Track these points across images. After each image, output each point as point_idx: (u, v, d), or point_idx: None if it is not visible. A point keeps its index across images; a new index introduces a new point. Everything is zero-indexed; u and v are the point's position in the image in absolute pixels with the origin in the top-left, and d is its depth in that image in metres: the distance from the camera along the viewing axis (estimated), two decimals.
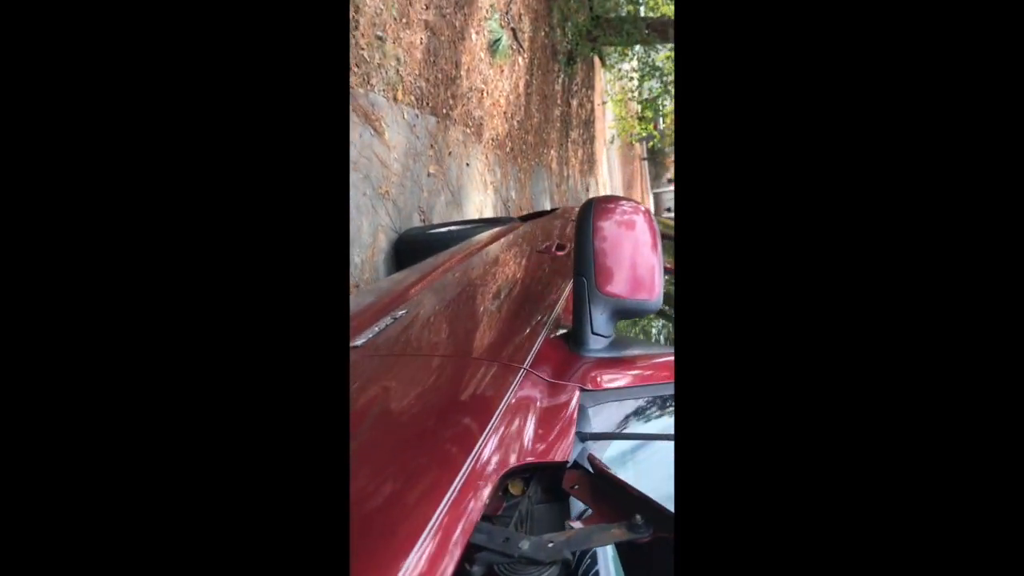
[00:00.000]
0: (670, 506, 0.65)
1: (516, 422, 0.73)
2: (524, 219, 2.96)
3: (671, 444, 0.79)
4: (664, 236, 2.61)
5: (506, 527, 0.64)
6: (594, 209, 1.02)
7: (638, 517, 0.58)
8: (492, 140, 5.07)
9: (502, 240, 2.03)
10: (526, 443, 0.72)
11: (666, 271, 1.96)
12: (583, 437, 0.79)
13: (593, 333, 0.97)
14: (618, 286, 0.96)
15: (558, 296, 1.23)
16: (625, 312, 0.99)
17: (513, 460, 0.68)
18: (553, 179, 7.17)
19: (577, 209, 2.86)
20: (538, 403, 0.79)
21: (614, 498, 0.64)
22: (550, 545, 0.56)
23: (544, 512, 0.71)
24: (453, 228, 2.95)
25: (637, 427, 0.93)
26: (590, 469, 0.71)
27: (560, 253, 1.66)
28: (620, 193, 13.43)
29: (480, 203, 4.65)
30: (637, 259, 0.98)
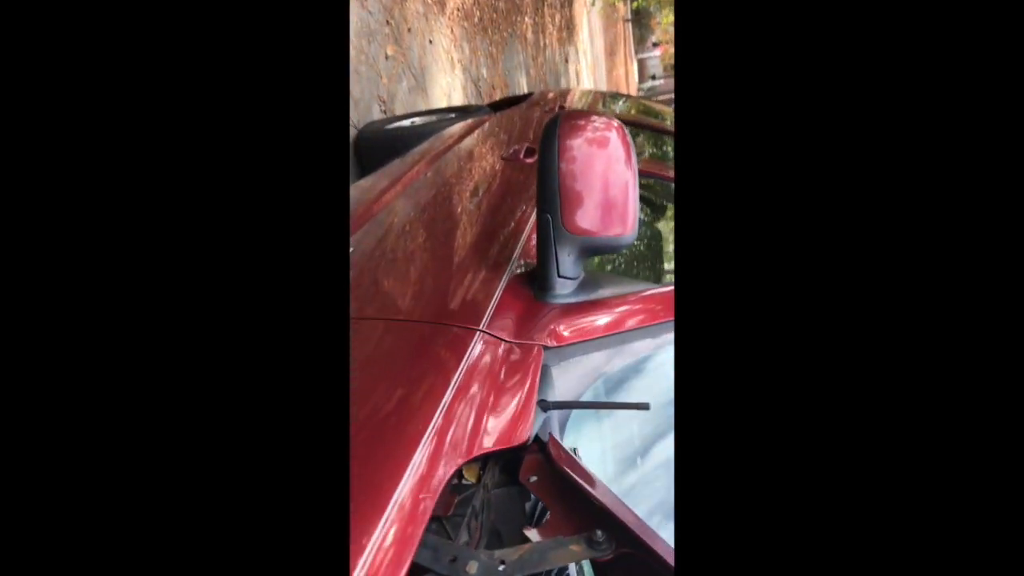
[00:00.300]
0: (641, 508, 0.59)
1: (469, 403, 0.65)
2: (495, 107, 2.71)
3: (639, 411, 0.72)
4: (642, 125, 2.42)
5: (457, 528, 0.58)
6: (560, 128, 0.87)
7: (599, 533, 0.52)
8: (457, 10, 4.55)
9: (466, 142, 1.84)
10: (480, 427, 0.64)
11: (647, 175, 1.82)
12: (545, 406, 0.71)
13: (559, 276, 0.87)
14: (588, 221, 0.84)
15: (524, 221, 1.10)
16: (596, 250, 0.88)
17: (464, 454, 0.60)
18: (528, 51, 6.61)
19: (552, 95, 2.63)
20: (495, 374, 0.71)
21: (575, 498, 0.58)
22: (501, 568, 0.50)
23: (502, 500, 0.65)
24: (417, 121, 2.71)
25: (606, 379, 0.86)
26: (551, 452, 0.64)
27: (529, 160, 1.50)
28: (602, 60, 12.59)
29: (447, 86, 4.28)
30: (610, 188, 0.85)
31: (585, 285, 0.90)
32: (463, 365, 0.68)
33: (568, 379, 0.80)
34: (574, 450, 0.77)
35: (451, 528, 0.58)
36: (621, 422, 0.86)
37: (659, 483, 0.85)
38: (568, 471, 0.59)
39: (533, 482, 0.62)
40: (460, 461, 0.59)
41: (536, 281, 0.89)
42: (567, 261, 0.86)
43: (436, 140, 1.99)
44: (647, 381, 0.93)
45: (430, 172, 1.57)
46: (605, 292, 0.91)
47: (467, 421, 0.63)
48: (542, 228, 0.85)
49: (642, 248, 1.62)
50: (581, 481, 0.58)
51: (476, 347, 0.72)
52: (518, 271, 0.93)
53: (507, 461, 0.68)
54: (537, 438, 0.69)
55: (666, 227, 1.85)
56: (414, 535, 0.51)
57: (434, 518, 0.58)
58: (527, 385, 0.71)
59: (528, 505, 0.65)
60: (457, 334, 0.74)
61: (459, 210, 1.26)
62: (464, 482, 0.64)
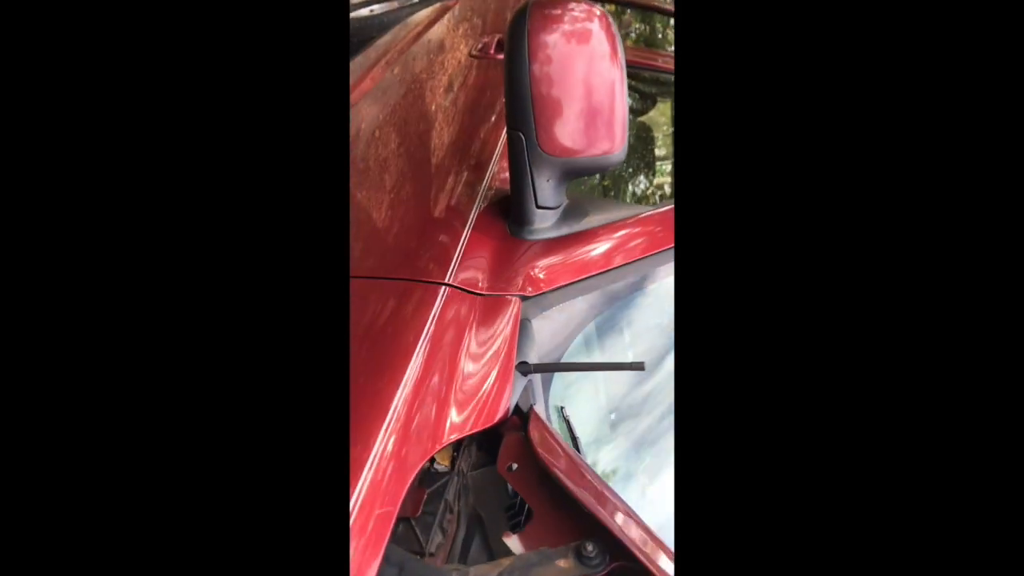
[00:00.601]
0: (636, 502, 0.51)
1: (434, 381, 0.55)
2: None
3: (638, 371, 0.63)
4: (629, 3, 2.15)
5: (429, 529, 0.51)
6: (530, 21, 0.70)
7: (589, 546, 0.44)
8: None
9: (427, 36, 1.61)
10: (448, 410, 0.55)
11: (634, 66, 1.61)
12: (525, 369, 0.62)
13: (538, 207, 0.74)
14: (568, 138, 0.70)
15: (497, 137, 0.95)
16: (579, 171, 0.75)
17: (430, 446, 0.51)
18: None
19: None
20: (465, 339, 0.60)
21: (562, 497, 0.50)
22: None
23: (481, 482, 0.57)
24: (376, 9, 2.39)
25: (598, 323, 0.76)
26: (532, 437, 0.55)
27: (501, 56, 1.30)
28: None
29: None
30: (593, 94, 0.70)
31: (569, 214, 0.77)
32: (426, 333, 0.58)
33: (552, 331, 0.70)
34: (561, 409, 0.69)
35: (421, 531, 0.50)
36: (618, 352, 0.77)
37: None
38: (552, 467, 0.51)
39: (514, 471, 0.54)
40: (425, 455, 0.51)
41: (510, 214, 0.76)
42: (546, 188, 0.73)
43: (399, 31, 1.75)
44: (646, 317, 0.83)
45: (389, 75, 1.37)
46: (594, 220, 0.79)
47: (433, 405, 0.53)
48: (514, 149, 0.71)
49: (631, 140, 1.49)
50: (568, 482, 0.49)
51: (441, 308, 0.61)
52: (490, 200, 0.80)
53: (485, 437, 0.59)
54: (518, 408, 0.60)
55: (658, 119, 1.73)
56: (374, 555, 0.44)
57: (401, 520, 0.51)
58: (504, 348, 0.61)
59: (515, 466, 0.57)
60: (418, 292, 0.63)
61: (418, 129, 1.09)
62: (436, 467, 0.56)
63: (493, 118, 1.03)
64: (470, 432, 0.54)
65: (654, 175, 1.59)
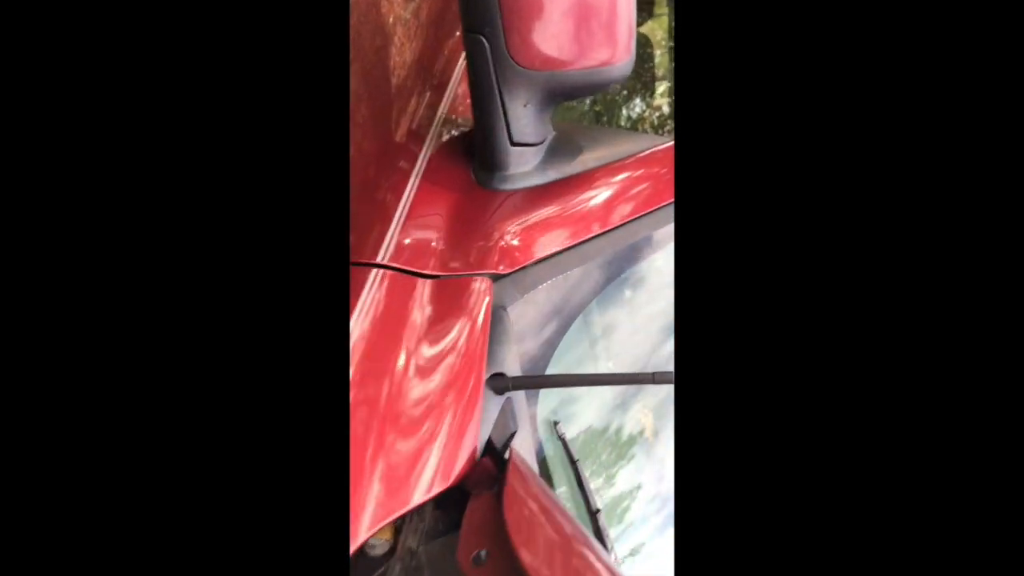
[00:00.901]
0: None
1: (359, 421, 0.36)
2: None
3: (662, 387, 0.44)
4: None
5: None
6: None
7: None
8: None
9: None
10: (383, 470, 0.36)
11: None
12: (499, 387, 0.43)
13: (513, 144, 0.53)
14: (552, 43, 0.49)
15: (456, 55, 0.72)
16: (568, 91, 0.53)
17: (351, 536, 0.33)
18: None
19: None
20: (406, 346, 0.41)
21: None
22: None
23: (440, 559, 0.39)
24: None
25: (601, 301, 0.56)
26: (506, 522, 0.36)
27: None
28: None
29: None
30: None
31: (555, 152, 0.56)
32: (353, 329, 0.38)
33: (537, 320, 0.50)
34: (555, 424, 0.51)
35: None
36: (628, 328, 0.58)
37: None
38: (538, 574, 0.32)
39: (483, 565, 0.35)
40: (356, 540, 0.32)
41: (476, 154, 0.55)
42: (522, 116, 0.52)
43: None
44: (663, 279, 0.64)
45: None
46: (590, 158, 0.58)
47: (358, 469, 0.34)
48: (475, 61, 0.50)
49: None
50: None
51: (371, 302, 0.41)
52: (448, 136, 0.59)
53: (440, 499, 0.41)
54: (489, 444, 0.41)
55: (655, 33, 1.51)
56: None
57: None
58: (468, 357, 0.42)
59: (485, 554, 0.40)
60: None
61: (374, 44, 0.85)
62: (371, 547, 0.38)
63: (458, 33, 0.80)
64: (417, 506, 0.36)
65: (652, 97, 1.40)
